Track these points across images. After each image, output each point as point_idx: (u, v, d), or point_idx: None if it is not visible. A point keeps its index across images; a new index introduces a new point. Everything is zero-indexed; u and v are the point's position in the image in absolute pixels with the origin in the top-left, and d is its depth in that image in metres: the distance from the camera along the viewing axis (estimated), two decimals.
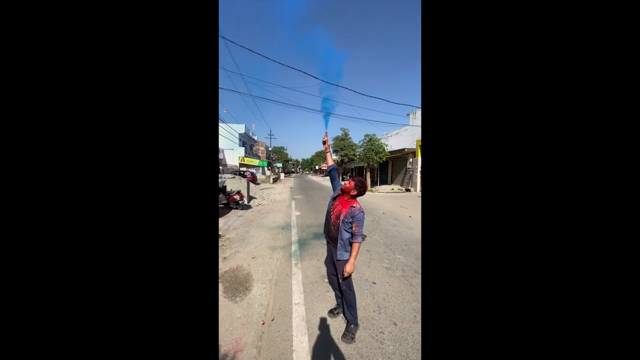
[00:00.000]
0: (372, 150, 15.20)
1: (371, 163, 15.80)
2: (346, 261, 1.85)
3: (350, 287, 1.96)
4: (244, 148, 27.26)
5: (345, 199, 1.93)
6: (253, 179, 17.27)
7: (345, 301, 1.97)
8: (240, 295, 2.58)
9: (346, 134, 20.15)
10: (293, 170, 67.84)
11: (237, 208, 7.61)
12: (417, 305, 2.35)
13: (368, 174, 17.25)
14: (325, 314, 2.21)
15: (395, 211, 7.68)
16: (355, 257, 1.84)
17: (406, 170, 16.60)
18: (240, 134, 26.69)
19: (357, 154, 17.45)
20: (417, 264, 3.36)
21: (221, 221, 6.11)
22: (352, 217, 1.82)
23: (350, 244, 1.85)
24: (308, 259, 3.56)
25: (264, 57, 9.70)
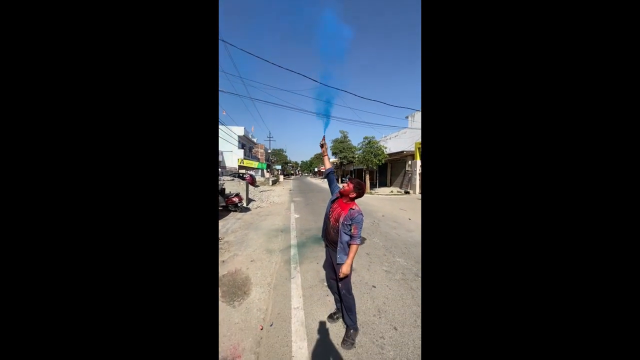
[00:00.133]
0: (371, 153, 15.24)
1: (370, 165, 15.83)
2: None
3: (350, 291, 1.94)
4: (243, 150, 27.26)
5: (344, 201, 1.91)
6: (252, 181, 17.25)
7: (344, 305, 1.95)
8: (239, 299, 2.55)
9: (345, 137, 20.21)
10: (292, 172, 67.89)
11: (235, 211, 7.58)
12: (418, 309, 2.32)
13: (367, 177, 17.26)
14: (325, 319, 2.18)
15: (395, 214, 7.67)
16: (353, 258, 1.82)
17: (405, 173, 16.62)
18: (239, 136, 26.70)
19: (356, 156, 17.49)
20: (417, 267, 3.33)
21: (220, 224, 6.08)
22: (351, 220, 1.81)
23: (349, 246, 1.84)
24: (307, 262, 3.53)
25: (263, 60, 9.73)
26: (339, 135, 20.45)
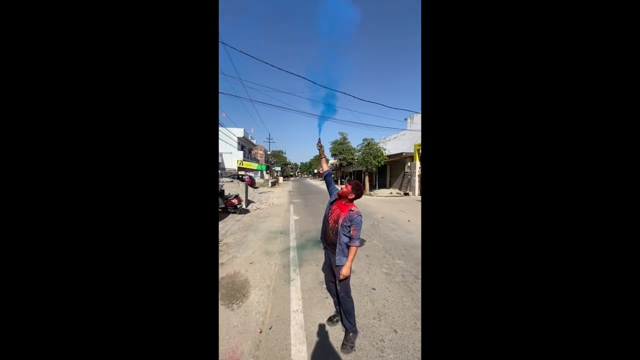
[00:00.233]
0: (371, 154, 15.24)
1: (369, 167, 15.83)
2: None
3: (348, 293, 1.92)
4: (242, 152, 27.25)
5: (343, 203, 1.91)
6: (251, 183, 17.24)
7: (343, 308, 1.94)
8: (238, 302, 2.53)
9: (345, 138, 20.23)
10: (292, 173, 67.87)
11: (235, 212, 7.56)
12: (418, 311, 2.31)
13: (366, 178, 17.25)
14: (324, 322, 2.16)
15: (394, 215, 7.66)
16: (352, 260, 1.82)
17: (404, 175, 16.64)
18: (239, 138, 26.71)
19: (356, 157, 17.49)
20: (417, 269, 3.32)
21: (219, 225, 6.06)
22: (350, 221, 1.80)
23: (348, 248, 1.83)
24: (307, 264, 3.52)
25: (262, 62, 9.75)
26: (338, 137, 20.50)
